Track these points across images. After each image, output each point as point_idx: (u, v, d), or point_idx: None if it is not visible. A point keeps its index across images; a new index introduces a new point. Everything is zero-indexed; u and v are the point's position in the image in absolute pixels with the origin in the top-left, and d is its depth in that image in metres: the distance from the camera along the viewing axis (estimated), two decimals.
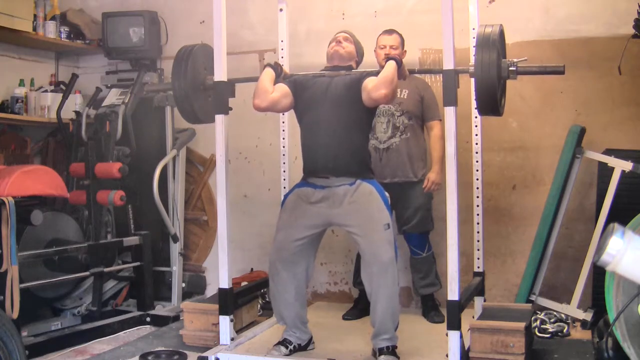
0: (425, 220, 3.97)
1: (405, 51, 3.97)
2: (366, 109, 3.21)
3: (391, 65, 3.11)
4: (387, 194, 3.23)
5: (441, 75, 3.02)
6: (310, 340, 3.42)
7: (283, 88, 3.29)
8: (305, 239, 3.25)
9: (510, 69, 2.98)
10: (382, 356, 3.14)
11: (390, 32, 3.93)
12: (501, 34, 3.06)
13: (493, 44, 2.90)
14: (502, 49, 3.05)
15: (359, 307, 4.12)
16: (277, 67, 3.35)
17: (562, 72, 3.10)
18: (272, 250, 3.32)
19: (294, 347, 3.31)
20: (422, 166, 3.98)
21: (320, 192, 3.21)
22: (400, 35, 3.94)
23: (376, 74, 3.16)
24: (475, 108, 3.23)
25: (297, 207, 3.26)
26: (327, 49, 3.43)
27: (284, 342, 3.32)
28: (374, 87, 3.07)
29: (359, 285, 4.15)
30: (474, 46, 3.37)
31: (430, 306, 4.07)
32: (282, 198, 3.43)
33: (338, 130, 3.18)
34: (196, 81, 3.44)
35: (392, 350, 3.18)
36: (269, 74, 3.30)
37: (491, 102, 2.96)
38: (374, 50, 3.92)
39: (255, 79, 3.34)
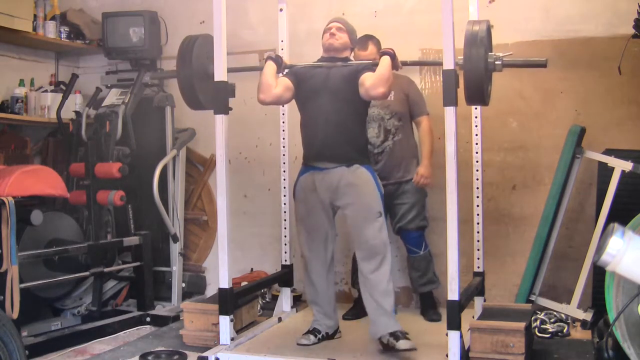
0: (420, 216, 3.97)
1: None
2: (363, 100, 3.34)
3: (386, 61, 3.22)
4: (381, 186, 3.42)
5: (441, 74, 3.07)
6: (337, 329, 3.58)
7: (285, 82, 3.43)
8: (324, 226, 3.44)
9: (497, 62, 3.13)
10: (401, 341, 3.18)
11: (364, 46, 3.86)
12: (488, 30, 3.15)
13: (481, 42, 3.03)
14: (488, 44, 3.17)
15: (359, 307, 4.11)
16: (278, 59, 3.47)
17: (544, 66, 3.24)
18: (301, 243, 3.53)
19: (323, 335, 3.46)
20: (415, 164, 4.00)
21: (320, 174, 3.38)
22: (376, 44, 3.89)
23: (371, 67, 3.30)
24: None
25: (306, 197, 3.44)
26: (322, 40, 3.53)
27: (313, 332, 3.47)
28: (371, 86, 3.19)
29: (358, 285, 4.15)
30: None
31: (429, 304, 4.07)
32: (293, 190, 3.58)
33: (337, 120, 3.34)
34: (200, 70, 3.52)
35: (405, 335, 3.24)
36: (271, 67, 3.41)
37: (478, 93, 3.10)
38: None
39: (249, 69, 3.37)
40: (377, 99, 3.35)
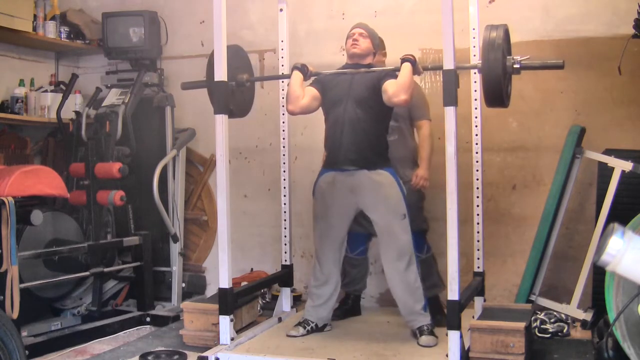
0: (418, 219, 3.89)
1: (385, 53, 3.99)
2: (385, 106, 3.42)
3: (407, 69, 3.28)
4: (404, 186, 3.52)
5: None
6: (327, 323, 3.68)
7: (312, 91, 3.52)
8: (339, 226, 3.56)
9: (515, 66, 3.19)
10: (423, 337, 3.38)
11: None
12: (506, 33, 3.21)
13: (498, 46, 3.11)
14: (507, 48, 3.22)
15: (345, 308, 4.08)
16: (304, 68, 3.52)
17: (561, 67, 3.29)
18: (315, 239, 3.67)
19: (312, 327, 3.59)
20: (410, 166, 3.94)
21: (342, 175, 3.48)
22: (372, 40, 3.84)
23: (393, 73, 3.38)
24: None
25: (324, 197, 3.56)
26: (346, 45, 3.61)
27: (303, 323, 3.60)
28: (394, 94, 3.27)
29: (345, 287, 4.06)
30: (473, 47, 3.65)
31: (434, 309, 3.88)
32: (312, 187, 3.66)
33: (360, 127, 3.43)
34: (228, 78, 3.56)
35: (430, 330, 3.42)
36: (298, 78, 3.48)
37: (497, 96, 3.19)
38: None
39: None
40: (399, 106, 3.43)
